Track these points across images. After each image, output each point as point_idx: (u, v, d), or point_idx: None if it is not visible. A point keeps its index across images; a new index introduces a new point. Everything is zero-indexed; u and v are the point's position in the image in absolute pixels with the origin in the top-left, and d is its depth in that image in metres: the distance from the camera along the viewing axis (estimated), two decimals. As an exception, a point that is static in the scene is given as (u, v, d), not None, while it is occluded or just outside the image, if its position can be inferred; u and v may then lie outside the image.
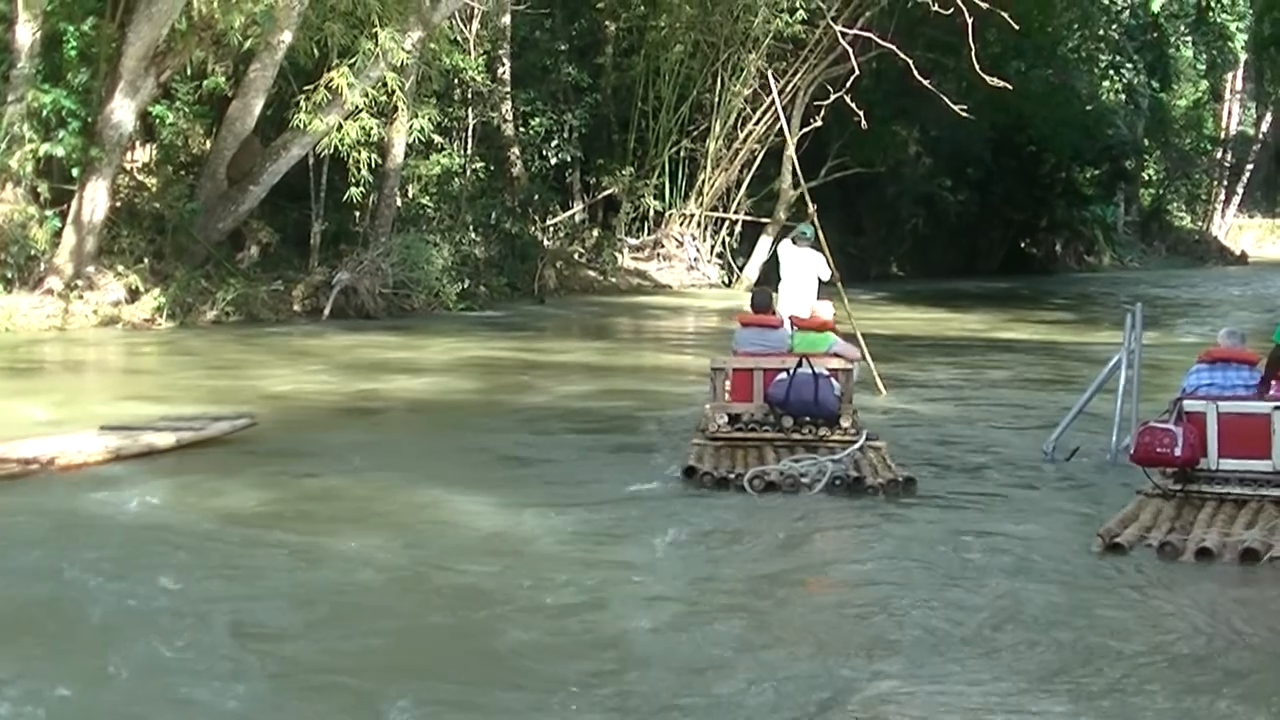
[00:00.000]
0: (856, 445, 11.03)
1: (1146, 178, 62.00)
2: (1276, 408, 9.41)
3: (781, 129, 24.32)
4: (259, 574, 7.82)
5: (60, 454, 10.27)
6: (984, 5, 23.31)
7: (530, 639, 6.78)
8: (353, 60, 22.51)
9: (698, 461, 10.72)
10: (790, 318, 12.80)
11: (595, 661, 6.50)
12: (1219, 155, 66.09)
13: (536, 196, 32.66)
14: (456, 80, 29.30)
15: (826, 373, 11.48)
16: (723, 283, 35.85)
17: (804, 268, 15.22)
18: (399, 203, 26.77)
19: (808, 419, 11.44)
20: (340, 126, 22.97)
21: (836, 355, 12.03)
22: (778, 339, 12.16)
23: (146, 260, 22.08)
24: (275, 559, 8.14)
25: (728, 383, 11.69)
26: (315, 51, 22.83)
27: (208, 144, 23.81)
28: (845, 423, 11.47)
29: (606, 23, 35.69)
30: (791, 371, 11.39)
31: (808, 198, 18.19)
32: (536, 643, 6.74)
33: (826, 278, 15.35)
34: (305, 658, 6.52)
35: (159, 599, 7.22)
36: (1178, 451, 9.27)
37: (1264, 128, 65.72)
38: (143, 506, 9.28)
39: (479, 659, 6.56)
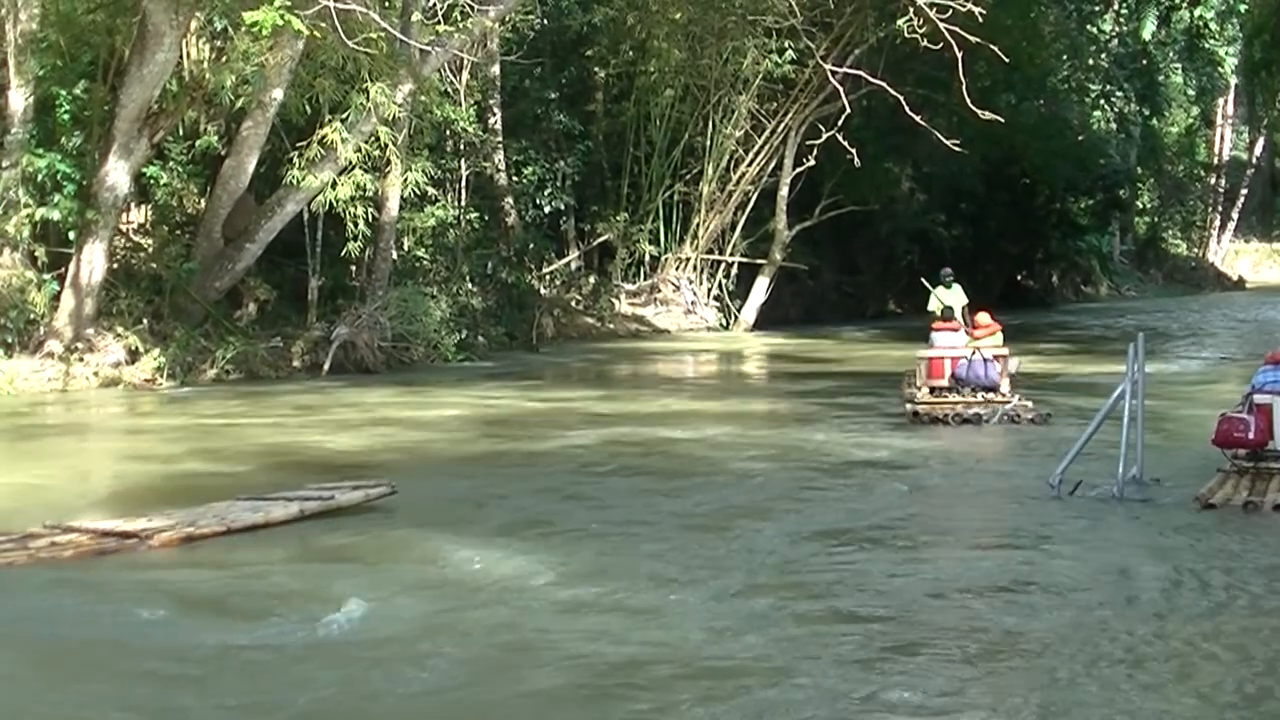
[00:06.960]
0: (1012, 403, 16.91)
1: (1141, 206, 62.16)
2: None
3: (774, 169, 24.42)
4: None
5: (161, 528, 9.81)
6: (973, 39, 23.34)
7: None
8: (345, 115, 22.56)
9: (922, 406, 17.06)
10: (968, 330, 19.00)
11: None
12: (1212, 181, 66.28)
13: (531, 245, 32.73)
14: (448, 132, 29.40)
15: (992, 358, 17.62)
16: (720, 325, 35.86)
17: (956, 300, 20.65)
18: (395, 256, 26.76)
19: (978, 388, 17.45)
20: (334, 182, 22.98)
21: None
22: (959, 339, 18.64)
23: (145, 321, 22.06)
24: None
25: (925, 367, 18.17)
26: (307, 108, 22.90)
27: (202, 203, 23.80)
28: (1005, 389, 17.42)
29: (596, 69, 35.82)
30: (969, 358, 17.68)
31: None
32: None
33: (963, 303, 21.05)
34: None
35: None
36: (1251, 435, 11.66)
37: (1257, 152, 65.94)
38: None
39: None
